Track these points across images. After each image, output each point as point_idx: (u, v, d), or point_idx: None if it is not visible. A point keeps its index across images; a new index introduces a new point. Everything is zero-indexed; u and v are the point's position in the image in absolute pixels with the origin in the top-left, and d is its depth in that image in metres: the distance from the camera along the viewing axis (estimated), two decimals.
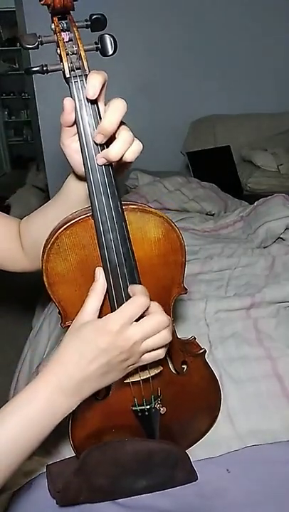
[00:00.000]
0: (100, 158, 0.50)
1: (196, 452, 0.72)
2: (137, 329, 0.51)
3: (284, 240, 1.36)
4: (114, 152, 0.49)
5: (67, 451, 0.71)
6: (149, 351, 0.54)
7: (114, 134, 0.50)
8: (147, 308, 0.53)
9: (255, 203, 1.57)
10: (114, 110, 0.48)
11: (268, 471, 0.70)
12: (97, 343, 0.51)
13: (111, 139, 0.50)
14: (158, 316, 0.53)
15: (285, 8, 2.60)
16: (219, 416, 0.76)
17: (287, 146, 2.58)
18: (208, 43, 2.62)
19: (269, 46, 2.66)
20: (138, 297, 0.52)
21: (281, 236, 1.36)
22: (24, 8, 2.42)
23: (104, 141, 0.50)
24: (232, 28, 2.60)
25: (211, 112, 2.75)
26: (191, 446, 0.73)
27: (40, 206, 0.71)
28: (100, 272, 0.55)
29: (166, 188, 1.91)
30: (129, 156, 0.51)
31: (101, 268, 0.55)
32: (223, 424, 0.76)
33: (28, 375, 1.04)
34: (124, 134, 0.50)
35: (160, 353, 0.56)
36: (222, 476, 0.69)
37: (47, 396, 0.51)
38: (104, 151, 0.50)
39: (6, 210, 3.23)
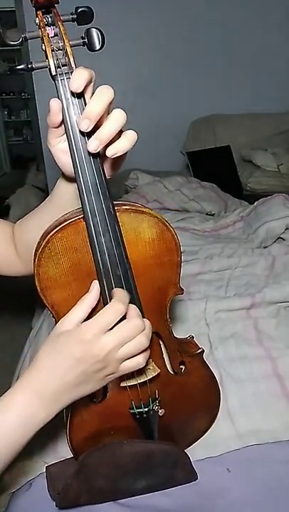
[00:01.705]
0: (94, 141, 0.46)
1: (196, 452, 0.72)
2: (110, 337, 0.49)
3: (284, 239, 1.36)
4: (107, 128, 0.46)
5: (66, 452, 0.71)
6: (128, 359, 0.52)
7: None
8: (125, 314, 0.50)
9: (256, 203, 1.57)
10: (99, 95, 0.46)
11: (268, 470, 0.70)
12: (71, 352, 0.49)
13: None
14: (133, 322, 0.51)
15: (285, 8, 2.60)
16: (219, 416, 0.76)
17: (288, 146, 2.58)
18: (209, 43, 2.62)
19: (269, 46, 2.66)
20: (113, 304, 0.50)
21: (281, 236, 1.36)
22: (24, 8, 2.42)
23: (91, 127, 0.46)
24: (232, 27, 2.60)
25: (211, 111, 2.75)
26: (190, 445, 0.73)
27: (39, 203, 0.70)
28: (94, 285, 0.54)
29: (166, 188, 1.91)
30: (126, 144, 0.48)
31: (97, 281, 0.54)
32: (224, 423, 0.76)
33: None
34: (116, 112, 0.47)
35: (140, 362, 0.53)
36: (222, 475, 0.69)
37: (23, 404, 0.50)
38: (96, 133, 0.47)
39: (6, 210, 3.24)
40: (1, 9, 4.34)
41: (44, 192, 3.37)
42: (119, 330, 0.50)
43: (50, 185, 2.92)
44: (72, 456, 0.69)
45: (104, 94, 0.46)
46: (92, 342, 0.49)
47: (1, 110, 5.40)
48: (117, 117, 0.47)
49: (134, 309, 0.53)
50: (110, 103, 0.47)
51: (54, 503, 0.65)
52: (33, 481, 0.70)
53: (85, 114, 0.46)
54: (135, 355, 0.52)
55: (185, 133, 2.81)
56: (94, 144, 0.47)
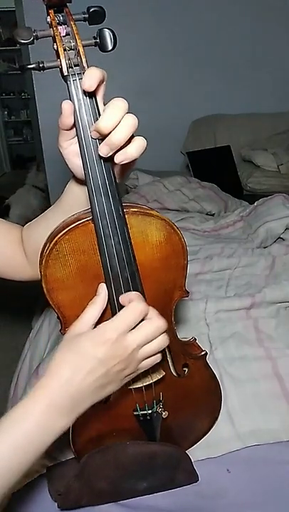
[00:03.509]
0: (104, 146, 0.46)
1: (196, 452, 0.72)
2: (135, 336, 0.50)
3: (284, 239, 1.36)
4: (117, 135, 0.45)
5: (68, 452, 0.71)
6: (147, 358, 0.53)
7: None
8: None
9: (255, 203, 1.57)
10: (113, 110, 0.45)
11: (267, 470, 0.70)
12: (94, 353, 0.48)
13: None
14: (155, 322, 0.51)
15: (285, 8, 2.60)
16: (219, 416, 0.76)
17: (287, 146, 2.58)
18: (209, 43, 2.62)
19: (269, 46, 2.66)
20: (136, 304, 0.50)
21: (281, 236, 1.36)
22: (24, 7, 2.42)
23: (101, 137, 0.47)
24: (232, 27, 2.60)
25: (211, 112, 2.75)
26: (191, 446, 0.73)
27: (40, 206, 0.69)
28: (102, 288, 0.54)
29: (166, 188, 1.91)
30: (133, 152, 0.48)
31: (104, 284, 0.54)
32: (224, 424, 0.76)
33: (28, 375, 1.04)
34: (128, 119, 0.46)
35: (157, 359, 0.54)
36: (222, 475, 0.69)
37: (40, 415, 0.48)
38: (106, 138, 0.46)
39: (6, 210, 3.23)
40: (1, 9, 4.34)
41: (44, 192, 3.37)
42: (143, 329, 0.50)
43: (51, 185, 2.92)
44: (73, 456, 0.69)
45: (119, 109, 0.45)
46: (117, 341, 0.48)
47: (1, 110, 5.40)
48: (129, 124, 0.46)
49: (153, 309, 0.53)
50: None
51: (55, 504, 0.65)
52: (34, 482, 0.69)
53: (96, 127, 0.45)
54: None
55: (185, 133, 2.80)
56: (104, 150, 0.47)
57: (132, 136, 0.48)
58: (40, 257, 0.53)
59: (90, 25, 0.49)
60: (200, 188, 1.92)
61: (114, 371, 0.50)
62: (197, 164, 2.46)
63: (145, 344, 0.51)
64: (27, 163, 4.57)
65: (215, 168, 2.48)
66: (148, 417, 0.65)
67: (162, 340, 0.52)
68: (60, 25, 0.48)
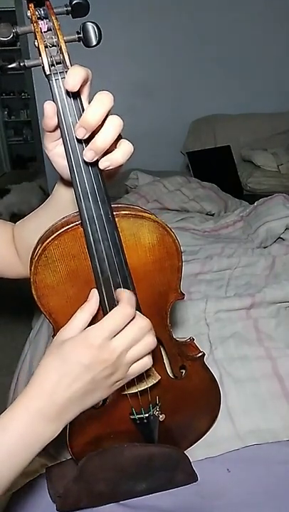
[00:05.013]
0: (88, 151, 0.44)
1: (196, 452, 0.72)
2: (120, 340, 0.48)
3: (284, 239, 1.36)
4: (102, 138, 0.44)
5: (66, 452, 0.71)
6: (136, 361, 0.51)
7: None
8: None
9: (255, 203, 1.57)
10: (98, 103, 0.43)
11: (267, 470, 0.70)
12: (79, 359, 0.47)
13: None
14: (139, 322, 0.49)
15: (285, 8, 2.60)
16: (219, 416, 0.76)
17: (287, 146, 2.58)
18: (209, 43, 2.62)
19: (269, 46, 2.66)
20: (121, 308, 0.48)
21: (281, 236, 1.36)
22: (24, 7, 2.42)
23: (87, 136, 0.44)
24: (232, 27, 2.60)
25: (211, 112, 2.75)
26: (191, 446, 0.73)
27: (40, 205, 0.69)
28: (93, 294, 0.52)
29: (166, 188, 1.91)
30: (119, 158, 0.46)
31: (96, 290, 0.52)
32: (223, 423, 0.76)
33: (28, 375, 1.04)
34: (113, 119, 0.44)
35: (148, 363, 0.52)
36: (222, 475, 0.69)
37: (25, 424, 0.46)
38: (90, 143, 0.44)
39: (3, 192, 3.37)
40: (1, 9, 4.34)
41: (44, 192, 3.38)
42: (128, 333, 0.48)
43: (50, 185, 2.92)
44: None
45: (104, 102, 0.43)
46: (101, 347, 0.47)
47: (1, 110, 5.40)
48: (114, 124, 0.44)
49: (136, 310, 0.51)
50: (109, 111, 0.44)
51: (54, 505, 0.65)
52: (33, 482, 0.69)
53: (81, 122, 0.43)
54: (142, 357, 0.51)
55: (185, 133, 2.81)
56: (89, 154, 0.45)
57: (119, 138, 0.47)
58: (30, 263, 0.52)
59: (73, 18, 0.47)
60: (200, 188, 1.92)
61: (101, 377, 0.48)
62: (197, 164, 2.47)
63: (131, 347, 0.49)
64: (27, 163, 4.57)
65: (215, 168, 2.48)
66: (145, 421, 0.65)
67: (149, 341, 0.50)
68: (42, 19, 0.45)
